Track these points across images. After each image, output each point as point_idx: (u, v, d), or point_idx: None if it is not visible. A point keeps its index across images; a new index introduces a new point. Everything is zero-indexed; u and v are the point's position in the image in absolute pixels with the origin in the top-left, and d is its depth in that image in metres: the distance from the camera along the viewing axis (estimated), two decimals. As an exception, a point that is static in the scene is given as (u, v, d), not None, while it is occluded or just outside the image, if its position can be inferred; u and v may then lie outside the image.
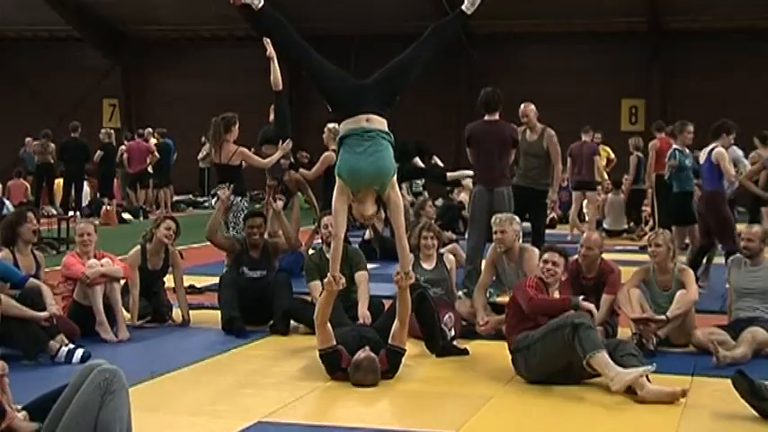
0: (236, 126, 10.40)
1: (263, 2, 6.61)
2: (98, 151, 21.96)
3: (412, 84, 6.71)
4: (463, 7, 6.72)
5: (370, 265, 8.62)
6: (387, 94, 6.53)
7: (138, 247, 8.74)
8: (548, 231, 17.65)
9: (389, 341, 6.64)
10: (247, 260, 8.84)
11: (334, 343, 6.66)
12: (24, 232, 7.82)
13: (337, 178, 6.41)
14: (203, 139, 25.20)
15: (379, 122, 6.39)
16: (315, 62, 6.66)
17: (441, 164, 18.22)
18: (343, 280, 6.63)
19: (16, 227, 7.82)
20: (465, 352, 7.45)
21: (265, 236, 9.17)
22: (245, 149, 10.37)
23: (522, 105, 10.88)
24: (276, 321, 8.30)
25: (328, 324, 6.67)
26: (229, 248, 9.11)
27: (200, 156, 26.04)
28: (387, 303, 7.71)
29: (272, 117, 11.79)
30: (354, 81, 6.62)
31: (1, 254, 7.74)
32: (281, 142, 10.89)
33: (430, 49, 6.77)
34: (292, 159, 11.61)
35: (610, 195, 17.78)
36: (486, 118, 9.95)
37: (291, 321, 8.40)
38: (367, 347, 6.54)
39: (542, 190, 10.75)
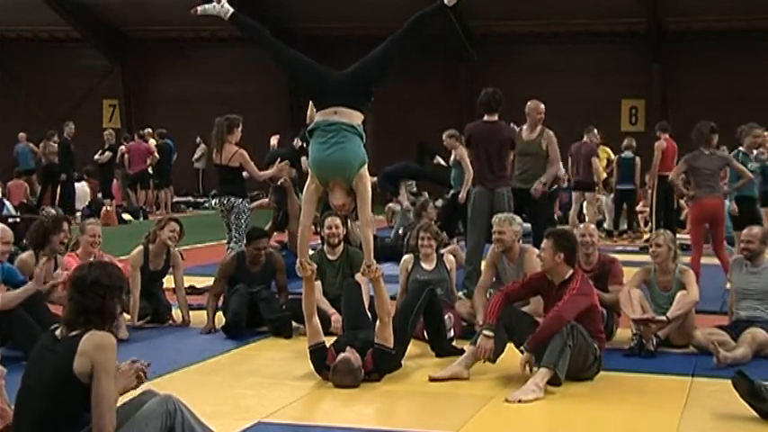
0: (239, 128, 10.41)
1: (231, 11, 6.78)
2: (106, 152, 21.97)
3: (389, 77, 6.73)
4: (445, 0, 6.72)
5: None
6: (361, 87, 6.59)
7: (141, 247, 8.74)
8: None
9: (375, 340, 6.66)
10: (245, 276, 8.62)
11: (322, 339, 6.74)
12: (55, 241, 7.83)
13: (309, 169, 6.61)
14: (198, 139, 25.31)
15: (348, 115, 6.46)
16: (289, 59, 6.82)
17: (443, 163, 18.19)
18: (314, 266, 6.71)
19: (50, 234, 7.82)
20: (462, 352, 7.46)
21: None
22: (245, 153, 10.35)
23: (535, 103, 10.68)
24: (279, 324, 8.24)
25: (316, 318, 6.75)
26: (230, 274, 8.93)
27: (195, 156, 26.07)
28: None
29: (272, 142, 11.92)
30: (329, 74, 6.68)
31: (25, 254, 7.78)
32: (278, 160, 10.99)
33: (408, 42, 6.78)
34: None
35: (604, 197, 17.80)
36: (486, 118, 9.94)
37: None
38: (349, 348, 6.55)
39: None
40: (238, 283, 8.54)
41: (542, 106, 10.68)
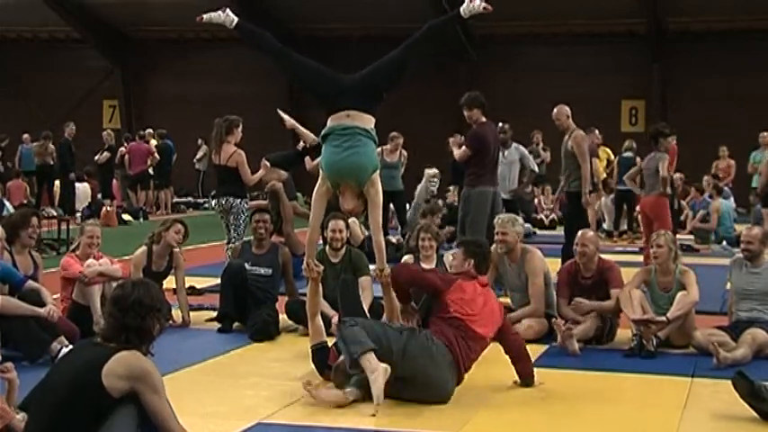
0: (239, 129, 10.42)
1: (236, 20, 6.80)
2: (105, 152, 21.98)
3: (401, 83, 6.74)
4: (461, 10, 6.67)
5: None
6: (372, 91, 6.58)
7: (144, 248, 8.76)
8: (547, 232, 17.86)
9: None
10: (249, 256, 8.85)
11: (324, 339, 6.75)
12: (24, 236, 7.82)
13: (320, 171, 6.61)
14: (200, 141, 25.31)
15: (361, 119, 6.47)
16: (297, 65, 6.84)
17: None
18: (321, 268, 6.74)
19: (18, 229, 7.82)
20: None
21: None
22: (243, 154, 10.35)
23: (555, 109, 11.30)
24: (256, 330, 8.21)
25: (319, 318, 6.74)
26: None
27: (197, 157, 26.06)
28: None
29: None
30: (339, 78, 6.68)
31: None
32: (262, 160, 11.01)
33: (420, 49, 6.76)
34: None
35: (604, 197, 17.81)
36: (484, 120, 10.09)
37: (286, 323, 8.42)
38: None
39: (573, 192, 11.04)
40: (243, 262, 8.75)
41: (565, 109, 11.31)
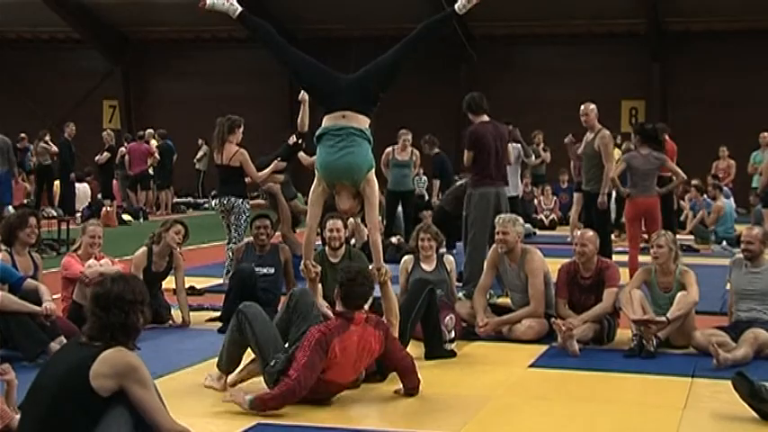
0: (241, 129, 10.45)
1: (239, 10, 6.79)
2: (104, 152, 21.98)
3: (396, 83, 6.73)
4: (456, 7, 6.66)
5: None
6: (368, 92, 6.59)
7: (145, 248, 8.76)
8: (547, 233, 17.86)
9: None
10: (252, 257, 8.87)
11: None
12: (23, 236, 7.81)
13: (316, 171, 6.61)
14: (200, 141, 25.31)
15: (356, 119, 6.48)
16: (296, 60, 6.84)
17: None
18: (318, 268, 6.77)
19: (16, 230, 7.82)
20: (452, 354, 7.45)
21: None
22: (245, 153, 10.37)
23: (583, 106, 11.16)
24: None
25: None
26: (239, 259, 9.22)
27: (197, 157, 26.08)
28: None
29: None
30: (336, 77, 6.68)
31: None
32: (278, 159, 11.00)
33: (417, 48, 6.76)
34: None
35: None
36: (485, 119, 10.06)
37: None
38: None
39: (594, 192, 11.01)
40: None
41: (591, 107, 11.32)
